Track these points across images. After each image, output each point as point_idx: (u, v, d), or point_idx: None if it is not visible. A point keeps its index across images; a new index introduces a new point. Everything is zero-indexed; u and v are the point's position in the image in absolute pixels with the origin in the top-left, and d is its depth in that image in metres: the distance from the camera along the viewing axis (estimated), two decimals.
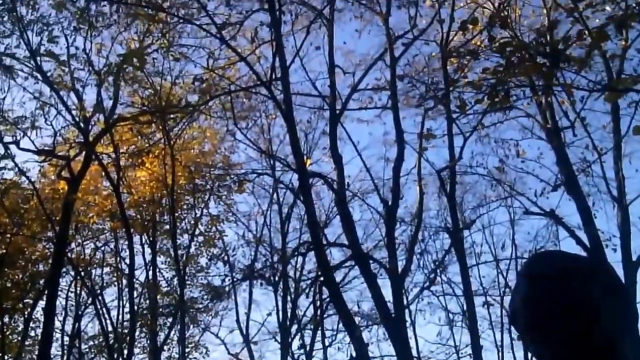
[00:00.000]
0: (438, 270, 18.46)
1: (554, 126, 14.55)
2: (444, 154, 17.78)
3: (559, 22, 11.23)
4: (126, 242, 19.03)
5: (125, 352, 17.81)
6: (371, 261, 15.80)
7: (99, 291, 20.59)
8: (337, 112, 16.82)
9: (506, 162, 16.67)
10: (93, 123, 17.23)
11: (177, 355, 20.69)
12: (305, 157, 18.28)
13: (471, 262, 18.66)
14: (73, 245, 19.93)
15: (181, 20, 16.05)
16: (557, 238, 18.14)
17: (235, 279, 20.60)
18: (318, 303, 18.06)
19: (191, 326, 21.06)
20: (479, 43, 15.76)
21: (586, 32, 10.07)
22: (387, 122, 18.39)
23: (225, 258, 20.93)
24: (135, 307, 18.70)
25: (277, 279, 20.30)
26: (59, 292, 18.29)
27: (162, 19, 16.20)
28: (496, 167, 16.75)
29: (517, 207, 18.47)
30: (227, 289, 20.42)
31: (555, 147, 14.55)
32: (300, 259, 20.02)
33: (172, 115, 18.03)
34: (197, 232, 21.00)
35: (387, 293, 14.34)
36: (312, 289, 17.33)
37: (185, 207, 21.37)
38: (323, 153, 20.45)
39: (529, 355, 11.24)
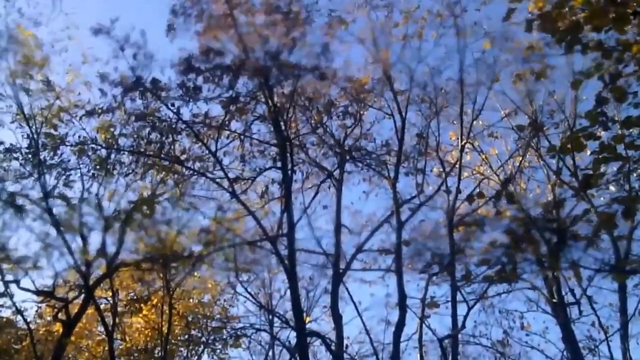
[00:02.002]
0: None
1: (560, 301, 14.40)
2: (446, 322, 17.41)
3: (565, 201, 11.47)
4: None
5: None
6: None
7: None
8: (341, 271, 16.75)
9: (510, 334, 16.32)
10: (95, 267, 17.15)
11: None
12: (304, 315, 17.97)
13: None
14: None
15: (195, 173, 16.48)
16: None
17: None
18: None
19: None
20: (485, 212, 16.05)
21: (592, 210, 10.26)
22: (391, 284, 18.26)
23: None
24: None
25: None
26: None
27: (177, 170, 16.67)
28: (500, 340, 16.37)
29: None
30: None
31: (561, 322, 14.31)
32: None
33: (174, 264, 17.98)
34: None
35: None
36: None
37: (178, 358, 20.67)
38: (323, 311, 20.14)
39: None
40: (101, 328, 18.34)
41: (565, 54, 10.07)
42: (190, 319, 19.95)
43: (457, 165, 16.75)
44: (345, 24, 17.65)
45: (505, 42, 16.25)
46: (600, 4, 8.91)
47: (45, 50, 16.31)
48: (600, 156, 8.15)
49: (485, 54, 16.79)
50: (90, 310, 18.01)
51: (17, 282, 16.49)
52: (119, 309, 18.45)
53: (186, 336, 19.99)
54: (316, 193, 17.50)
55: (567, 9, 9.16)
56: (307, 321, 18.22)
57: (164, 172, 17.00)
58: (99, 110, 15.45)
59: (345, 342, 16.38)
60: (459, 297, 15.74)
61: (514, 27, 13.70)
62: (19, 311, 17.32)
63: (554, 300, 14.70)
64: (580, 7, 9.07)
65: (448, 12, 17.00)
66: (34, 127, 16.01)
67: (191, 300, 21.04)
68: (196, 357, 20.50)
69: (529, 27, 9.52)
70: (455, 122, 17.68)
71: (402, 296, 15.96)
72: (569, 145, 9.40)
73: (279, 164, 16.28)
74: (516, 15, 10.01)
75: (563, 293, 14.68)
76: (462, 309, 15.65)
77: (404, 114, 17.60)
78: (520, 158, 16.36)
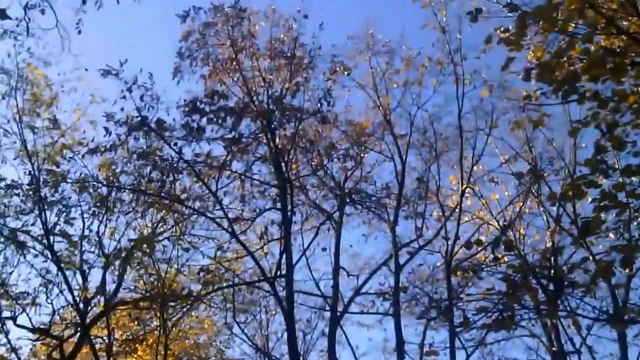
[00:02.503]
0: None
1: (559, 349, 14.29)
2: None
3: (564, 248, 11.50)
4: None
5: None
6: None
7: None
8: (338, 314, 16.68)
9: None
10: (93, 304, 17.06)
11: None
12: (301, 358, 17.82)
13: None
14: None
15: (195, 213, 16.55)
16: None
17: None
18: None
19: None
20: (483, 258, 16.06)
21: (591, 258, 10.28)
22: (388, 328, 18.16)
23: None
24: None
25: None
26: None
27: (178, 209, 16.75)
28: None
29: None
30: None
31: None
32: None
33: (172, 303, 17.90)
34: None
35: None
36: None
37: None
38: (320, 355, 19.96)
39: None
40: None
41: (562, 103, 10.27)
42: None
43: (456, 210, 16.84)
44: (347, 70, 18.00)
45: (503, 90, 16.59)
46: (598, 54, 9.12)
47: (54, 90, 16.64)
48: (601, 204, 8.21)
49: (483, 102, 17.11)
50: (85, 350, 17.82)
51: (14, 318, 16.37)
52: (114, 348, 18.25)
53: None
54: (315, 235, 17.57)
55: (565, 59, 9.37)
56: None
57: (164, 211, 17.06)
58: (102, 149, 15.60)
59: None
60: (457, 343, 15.66)
61: (512, 75, 13.94)
62: (13, 349, 17.13)
63: (554, 349, 14.60)
64: (579, 57, 9.27)
65: (448, 60, 17.37)
66: (36, 163, 16.13)
67: (187, 340, 20.83)
68: None
69: (527, 77, 9.70)
70: (455, 166, 17.87)
71: (400, 341, 15.87)
72: (570, 193, 9.47)
73: (278, 205, 16.37)
74: (515, 64, 10.20)
75: (562, 342, 14.59)
76: (461, 356, 15.55)
77: (404, 157, 17.84)
78: (521, 204, 16.45)
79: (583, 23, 9.16)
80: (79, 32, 9.78)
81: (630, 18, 8.91)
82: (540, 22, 9.37)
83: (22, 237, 16.15)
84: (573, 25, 9.37)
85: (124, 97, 14.89)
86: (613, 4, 9.24)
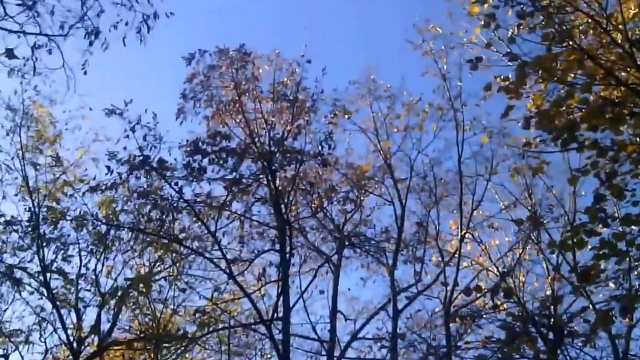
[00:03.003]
0: None
1: None
2: None
3: (564, 297, 11.44)
4: None
5: None
6: None
7: None
8: (335, 359, 16.46)
9: None
10: (86, 344, 16.85)
11: None
12: None
13: None
14: None
15: (193, 253, 16.50)
16: None
17: None
18: None
19: None
20: (482, 305, 15.95)
21: (591, 307, 10.22)
22: None
23: None
24: None
25: None
26: None
27: (176, 249, 16.69)
28: None
29: None
30: None
31: None
32: None
33: (166, 344, 17.67)
34: None
35: None
36: None
37: None
38: None
39: None
40: None
41: (562, 151, 10.34)
42: None
43: (456, 255, 16.78)
44: (348, 114, 18.19)
45: (503, 137, 16.73)
46: (597, 104, 9.24)
47: (58, 127, 16.80)
48: (600, 252, 8.21)
49: (483, 148, 17.23)
50: None
51: (6, 357, 16.16)
52: None
53: None
54: (313, 277, 17.44)
55: (564, 108, 9.48)
56: None
57: (162, 250, 17.01)
58: (103, 187, 15.63)
59: None
60: None
61: (512, 123, 14.08)
62: None
63: None
64: (578, 106, 9.39)
65: (448, 106, 17.56)
66: (36, 200, 16.15)
67: None
68: None
69: (526, 125, 9.81)
70: (455, 211, 17.87)
71: None
72: (569, 242, 9.47)
73: (277, 247, 16.32)
74: (514, 112, 10.32)
75: None
76: None
77: (404, 201, 17.86)
78: (520, 251, 16.41)
79: (582, 73, 9.32)
80: (85, 72, 9.90)
81: (628, 69, 9.06)
82: (540, 72, 9.53)
83: (18, 273, 16.08)
84: (572, 75, 9.52)
85: (127, 136, 15.00)
86: (612, 56, 9.40)
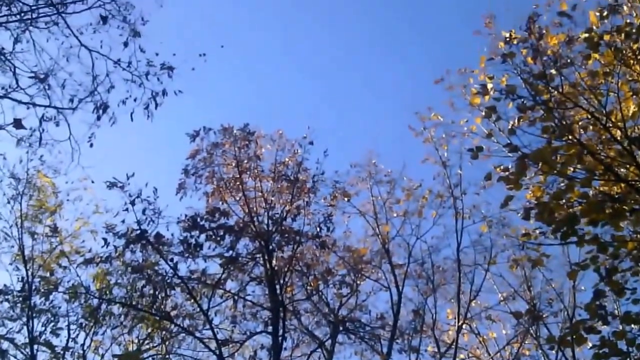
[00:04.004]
0: None
1: None
2: None
3: None
4: None
5: None
6: None
7: None
8: None
9: None
10: None
11: None
12: None
13: None
14: None
15: (184, 331, 16.16)
16: None
17: None
18: None
19: None
20: None
21: None
22: None
23: None
24: None
25: None
26: None
27: (166, 327, 16.35)
28: None
29: None
30: None
31: None
32: None
33: None
34: None
35: None
36: None
37: None
38: None
39: None
40: None
41: (561, 244, 10.32)
42: None
43: (452, 346, 16.43)
44: (348, 196, 18.26)
45: (502, 227, 16.74)
46: (597, 198, 9.29)
47: (59, 197, 16.81)
48: (600, 351, 8.05)
49: (482, 237, 17.21)
50: None
51: None
52: None
53: None
54: None
55: (564, 201, 9.53)
56: None
57: (152, 327, 16.65)
58: (98, 259, 15.49)
59: None
60: None
61: (511, 213, 14.11)
62: None
63: None
64: (577, 200, 9.43)
65: (448, 193, 17.67)
66: (30, 269, 15.96)
67: None
68: None
69: (526, 216, 9.83)
70: (452, 300, 17.64)
71: None
72: (569, 338, 9.30)
73: (270, 329, 15.98)
74: (514, 203, 10.36)
75: None
76: None
77: (400, 287, 17.66)
78: (519, 345, 16.09)
79: (582, 168, 9.42)
80: (91, 145, 10.03)
81: (628, 166, 9.16)
82: (540, 164, 9.64)
83: (5, 344, 15.65)
84: (572, 169, 9.63)
85: (127, 209, 14.99)
86: (611, 152, 9.54)
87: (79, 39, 10.00)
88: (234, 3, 30.25)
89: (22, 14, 9.86)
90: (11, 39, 9.71)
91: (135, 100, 10.33)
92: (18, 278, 16.00)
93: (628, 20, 9.87)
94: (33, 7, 9.84)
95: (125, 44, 10.34)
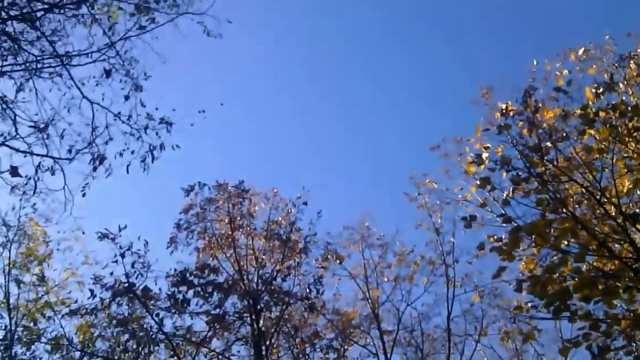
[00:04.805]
0: None
1: None
2: None
3: None
4: None
5: None
6: None
7: None
8: None
9: None
10: None
11: None
12: None
13: None
14: None
15: None
16: None
17: None
18: None
19: None
20: None
21: None
22: None
23: None
24: None
25: None
26: None
27: None
28: None
29: None
30: None
31: None
32: None
33: None
34: None
35: None
36: None
37: None
38: None
39: None
40: None
41: (553, 318, 10.20)
42: None
43: None
44: (340, 258, 18.11)
45: (494, 297, 16.60)
46: (590, 274, 9.24)
47: (50, 246, 16.66)
48: None
49: (473, 307, 17.02)
50: None
51: None
52: None
53: None
54: None
55: (557, 275, 9.47)
56: None
57: None
58: (84, 311, 15.22)
59: None
60: None
61: (503, 284, 14.02)
62: None
63: None
64: (570, 274, 9.39)
65: (440, 260, 17.55)
66: (14, 318, 15.66)
67: None
68: None
69: (518, 288, 9.76)
70: None
71: None
72: None
73: None
74: (507, 273, 10.31)
75: None
76: None
77: (389, 355, 17.32)
78: None
79: (575, 242, 9.41)
80: (84, 195, 9.97)
81: (622, 242, 9.16)
82: (533, 237, 9.63)
83: None
84: (565, 242, 9.61)
85: (116, 261, 14.84)
86: (605, 227, 9.55)
87: (81, 91, 10.07)
88: (236, 61, 30.79)
89: (27, 64, 9.96)
90: (14, 87, 9.81)
91: (132, 153, 10.33)
92: (1, 326, 15.70)
93: (624, 98, 10.07)
94: (38, 58, 9.96)
95: (127, 98, 10.40)
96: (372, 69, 34.05)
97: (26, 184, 9.57)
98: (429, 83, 34.43)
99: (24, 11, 9.48)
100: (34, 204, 14.98)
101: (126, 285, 14.81)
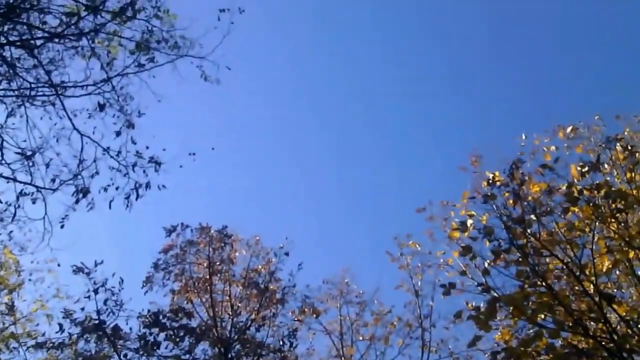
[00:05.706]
0: None
1: None
2: None
3: None
4: None
5: None
6: None
7: None
8: None
9: None
10: None
11: None
12: None
13: None
14: None
15: None
16: None
17: None
18: None
19: None
20: None
21: None
22: None
23: None
24: None
25: None
26: None
27: None
28: None
29: None
30: None
31: None
32: None
33: None
34: None
35: None
36: None
37: None
38: None
39: None
40: None
41: None
42: None
43: None
44: (316, 313, 17.89)
45: None
46: (564, 350, 9.18)
47: (21, 276, 16.32)
48: None
49: None
50: None
51: None
52: None
53: None
54: None
55: (531, 349, 9.41)
56: None
57: None
58: (50, 345, 14.82)
59: None
60: None
61: (479, 353, 13.88)
62: None
63: None
64: (545, 349, 9.33)
65: (417, 323, 17.34)
66: None
67: None
68: None
69: (493, 359, 9.67)
70: None
71: None
72: None
73: None
74: (483, 342, 10.22)
75: None
76: None
77: None
78: None
79: (552, 317, 9.38)
80: (62, 226, 9.88)
81: (597, 321, 9.14)
82: (511, 309, 9.60)
83: None
84: (542, 317, 9.58)
85: (89, 297, 14.56)
86: (582, 304, 9.55)
87: (72, 122, 10.09)
88: (232, 106, 31.10)
89: (21, 90, 9.99)
90: (5, 112, 9.81)
91: (117, 188, 10.30)
92: None
93: (608, 179, 10.21)
94: (33, 85, 10.00)
95: (118, 134, 10.44)
96: (370, 119, 34.53)
97: (5, 210, 9.48)
98: (418, 144, 34.83)
99: (24, 38, 9.56)
100: (11, 231, 14.82)
101: (96, 322, 14.50)
